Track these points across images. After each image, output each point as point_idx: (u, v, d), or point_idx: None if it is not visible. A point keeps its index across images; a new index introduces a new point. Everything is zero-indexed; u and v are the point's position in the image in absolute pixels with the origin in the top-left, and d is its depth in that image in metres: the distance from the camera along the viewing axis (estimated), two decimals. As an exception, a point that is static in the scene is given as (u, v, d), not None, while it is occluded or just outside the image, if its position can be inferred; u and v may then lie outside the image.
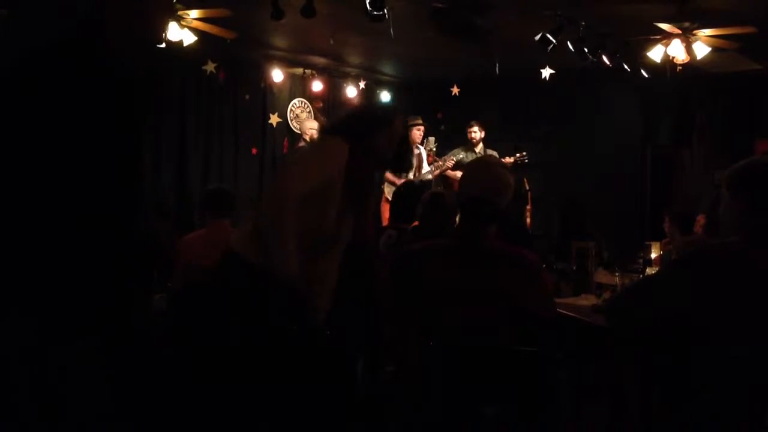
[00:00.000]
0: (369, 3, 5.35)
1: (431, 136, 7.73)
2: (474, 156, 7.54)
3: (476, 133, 7.76)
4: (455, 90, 9.03)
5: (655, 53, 6.52)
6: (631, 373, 2.73)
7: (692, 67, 6.93)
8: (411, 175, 7.54)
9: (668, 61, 6.66)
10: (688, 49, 6.35)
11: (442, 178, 7.63)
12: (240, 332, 2.66)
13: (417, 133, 7.61)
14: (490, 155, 2.39)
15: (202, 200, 4.25)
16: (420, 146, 7.72)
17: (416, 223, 4.06)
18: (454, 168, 7.52)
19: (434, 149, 7.57)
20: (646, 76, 7.43)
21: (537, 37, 6.26)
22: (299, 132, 7.82)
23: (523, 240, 3.58)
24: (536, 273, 2.44)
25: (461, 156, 7.52)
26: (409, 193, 4.34)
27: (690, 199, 8.18)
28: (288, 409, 2.59)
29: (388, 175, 7.45)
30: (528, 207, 7.98)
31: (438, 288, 2.42)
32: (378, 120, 2.66)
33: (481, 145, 7.74)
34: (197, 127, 8.08)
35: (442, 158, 7.57)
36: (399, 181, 6.72)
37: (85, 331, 1.69)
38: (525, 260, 2.42)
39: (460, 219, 2.60)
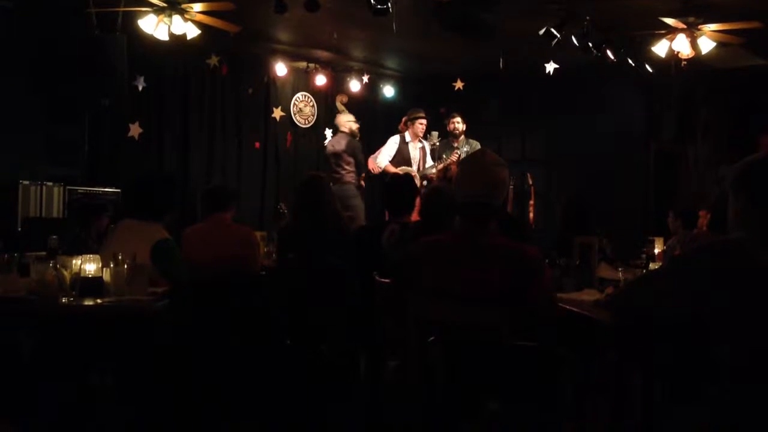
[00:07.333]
0: (372, -3, 5.34)
1: (434, 130, 7.71)
2: (450, 150, 7.50)
3: (459, 123, 7.67)
4: (458, 84, 9.01)
5: (660, 48, 6.50)
6: (633, 370, 2.72)
7: (697, 62, 6.90)
8: (415, 169, 7.54)
9: (673, 57, 6.63)
10: (693, 44, 6.32)
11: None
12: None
13: (420, 126, 7.59)
14: (484, 151, 2.37)
15: (201, 197, 4.30)
16: (423, 140, 7.70)
17: (415, 217, 4.05)
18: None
19: (437, 143, 7.56)
20: (650, 71, 7.41)
21: (541, 32, 6.25)
22: (335, 125, 7.82)
23: (523, 235, 3.57)
24: (537, 268, 2.44)
25: (465, 149, 7.48)
26: (401, 186, 4.33)
27: (694, 195, 8.16)
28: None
29: (389, 167, 7.44)
30: (531, 202, 7.97)
31: (440, 284, 2.41)
32: None
33: (462, 137, 7.68)
34: (200, 121, 8.09)
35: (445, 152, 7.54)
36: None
37: None
38: (526, 255, 2.42)
39: (459, 217, 2.59)
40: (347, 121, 7.55)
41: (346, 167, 7.32)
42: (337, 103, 8.31)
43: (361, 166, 7.43)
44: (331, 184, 7.25)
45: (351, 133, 7.48)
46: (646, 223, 8.33)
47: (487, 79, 8.71)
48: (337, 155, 7.40)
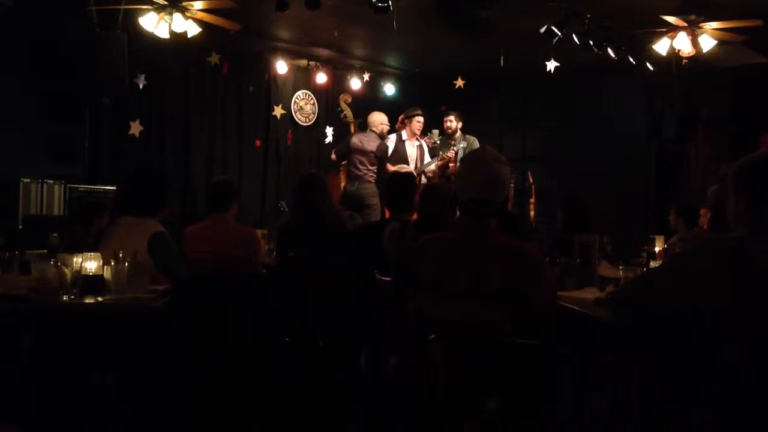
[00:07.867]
0: (373, -6, 5.34)
1: (435, 128, 7.70)
2: (448, 146, 7.47)
3: (452, 122, 7.61)
4: (459, 82, 9.00)
5: (661, 46, 6.49)
6: (633, 370, 2.72)
7: (698, 60, 6.89)
8: (412, 167, 7.52)
9: (674, 55, 6.62)
10: (694, 42, 6.31)
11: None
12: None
13: (417, 124, 7.55)
14: (485, 148, 2.35)
15: (206, 192, 4.33)
16: (420, 138, 7.68)
17: (416, 215, 4.05)
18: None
19: (438, 141, 7.53)
20: (651, 69, 7.39)
21: (542, 30, 6.24)
22: (367, 123, 7.68)
23: (523, 233, 3.57)
24: (538, 267, 2.43)
25: (462, 145, 7.46)
26: (402, 184, 4.33)
27: (695, 193, 8.15)
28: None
29: (389, 166, 7.42)
30: (532, 200, 7.96)
31: (441, 282, 2.41)
32: None
33: (459, 133, 7.65)
34: (201, 119, 8.09)
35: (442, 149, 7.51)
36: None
37: None
38: (526, 253, 2.41)
39: (459, 215, 2.58)
40: (381, 123, 7.42)
41: (371, 167, 7.27)
42: (341, 102, 8.29)
43: (384, 169, 7.35)
44: (349, 180, 7.30)
45: (381, 135, 7.42)
46: (646, 221, 8.32)
47: (487, 77, 8.70)
48: (364, 153, 7.30)
